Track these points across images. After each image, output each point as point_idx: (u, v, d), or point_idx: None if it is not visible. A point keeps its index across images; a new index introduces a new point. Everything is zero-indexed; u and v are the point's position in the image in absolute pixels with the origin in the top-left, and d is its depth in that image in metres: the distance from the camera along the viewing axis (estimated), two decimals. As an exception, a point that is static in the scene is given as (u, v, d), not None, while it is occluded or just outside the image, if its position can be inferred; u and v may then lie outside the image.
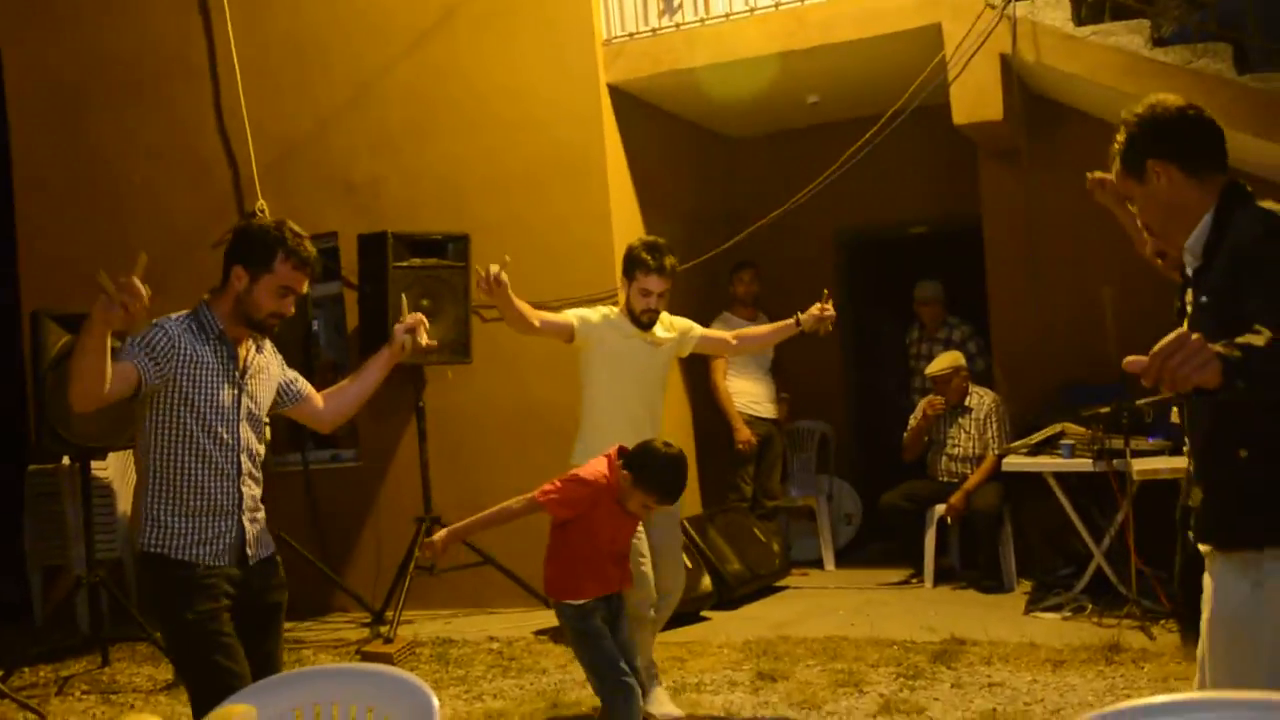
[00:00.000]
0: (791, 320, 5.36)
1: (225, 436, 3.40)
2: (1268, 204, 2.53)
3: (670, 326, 5.16)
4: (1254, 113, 6.24)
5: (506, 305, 4.72)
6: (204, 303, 3.43)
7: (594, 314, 5.02)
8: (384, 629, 6.72)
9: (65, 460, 7.04)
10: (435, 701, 2.15)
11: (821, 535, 8.24)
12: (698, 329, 5.35)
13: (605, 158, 7.54)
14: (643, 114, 7.92)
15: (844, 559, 8.29)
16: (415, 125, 7.97)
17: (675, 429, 7.98)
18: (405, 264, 6.95)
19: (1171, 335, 2.08)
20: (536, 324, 4.89)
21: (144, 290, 2.94)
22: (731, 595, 7.05)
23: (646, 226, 7.78)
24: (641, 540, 4.80)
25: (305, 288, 3.51)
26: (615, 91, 7.62)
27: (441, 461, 7.30)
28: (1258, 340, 2.13)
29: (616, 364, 4.94)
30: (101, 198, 8.75)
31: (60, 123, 8.92)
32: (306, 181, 8.20)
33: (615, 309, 5.10)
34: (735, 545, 7.28)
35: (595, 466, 4.12)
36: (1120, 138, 2.73)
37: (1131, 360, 2.14)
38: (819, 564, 8.18)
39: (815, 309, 5.25)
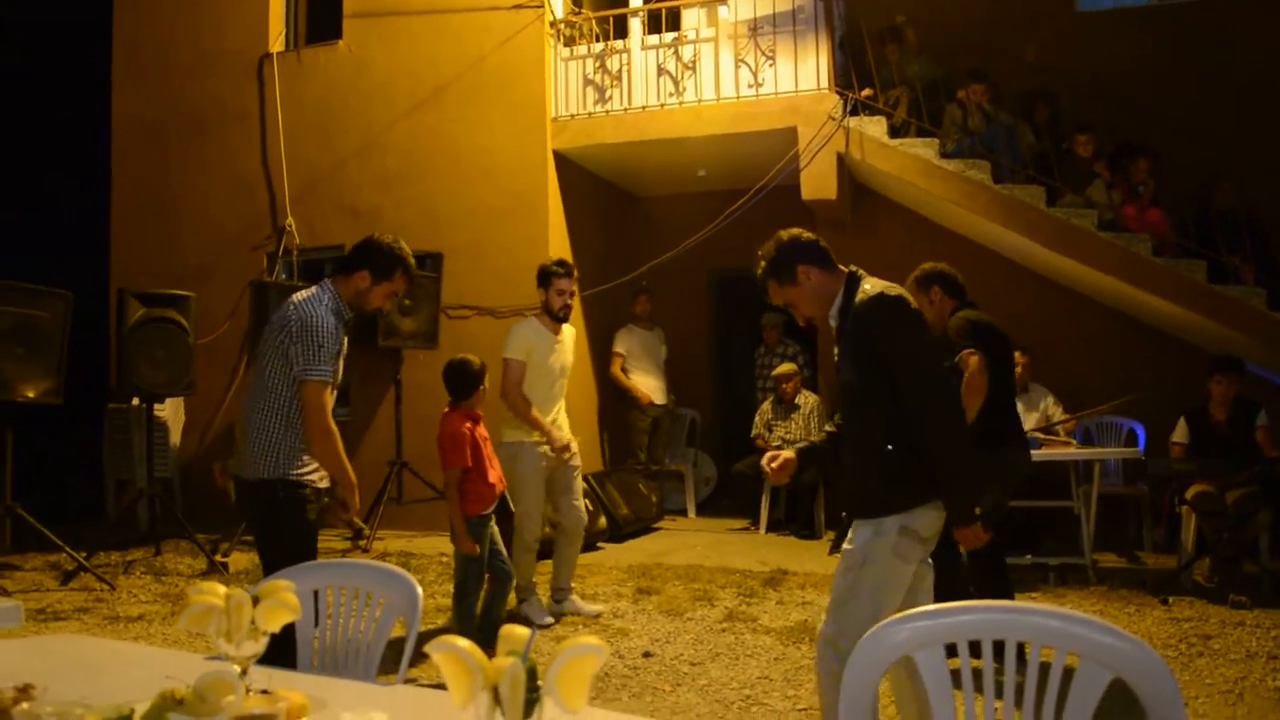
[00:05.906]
0: None
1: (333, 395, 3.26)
2: (871, 281, 2.80)
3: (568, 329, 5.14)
4: (1002, 211, 6.58)
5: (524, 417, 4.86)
6: (335, 292, 3.24)
7: (524, 331, 4.93)
8: (362, 543, 6.73)
9: (135, 401, 7.05)
10: (419, 590, 2.12)
11: (687, 492, 8.37)
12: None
13: (547, 203, 7.62)
14: (576, 173, 8.01)
15: (703, 510, 8.41)
16: (408, 170, 7.99)
17: (586, 414, 8.07)
18: (396, 273, 6.97)
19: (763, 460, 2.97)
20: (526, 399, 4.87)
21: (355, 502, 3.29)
22: (620, 532, 7.13)
23: (573, 255, 7.86)
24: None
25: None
26: (558, 156, 7.71)
27: (410, 422, 7.27)
28: (817, 437, 2.84)
29: (539, 359, 4.89)
30: (171, 208, 8.77)
31: (146, 150, 8.94)
32: (324, 206, 8.22)
33: (534, 316, 5.01)
34: (625, 495, 7.39)
35: (449, 426, 4.39)
36: (765, 264, 2.91)
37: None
38: (684, 513, 8.29)
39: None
